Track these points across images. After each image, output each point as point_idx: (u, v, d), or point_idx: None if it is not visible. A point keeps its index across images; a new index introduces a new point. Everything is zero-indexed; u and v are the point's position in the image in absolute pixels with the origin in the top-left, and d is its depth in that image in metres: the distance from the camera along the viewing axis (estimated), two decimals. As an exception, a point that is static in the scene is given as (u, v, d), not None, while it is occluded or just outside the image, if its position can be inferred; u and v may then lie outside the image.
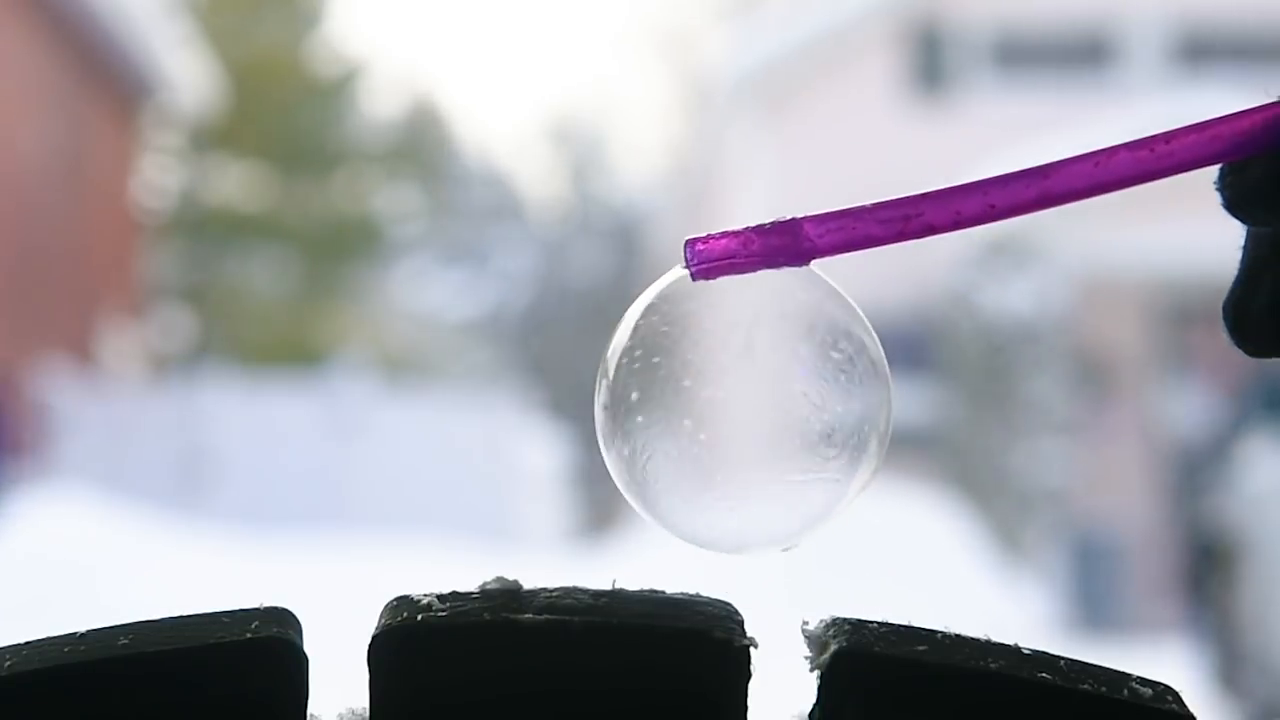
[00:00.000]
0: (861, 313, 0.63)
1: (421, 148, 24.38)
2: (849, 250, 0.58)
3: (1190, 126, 0.56)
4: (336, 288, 21.63)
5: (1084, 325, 12.81)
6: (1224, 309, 0.58)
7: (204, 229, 19.82)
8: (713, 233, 0.59)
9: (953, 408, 13.22)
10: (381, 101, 23.48)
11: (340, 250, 21.02)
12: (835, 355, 0.62)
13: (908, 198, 0.58)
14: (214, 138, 19.28)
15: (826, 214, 0.59)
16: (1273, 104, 0.56)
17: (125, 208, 14.20)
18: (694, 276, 0.60)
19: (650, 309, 0.64)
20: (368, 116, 22.80)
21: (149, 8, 12.94)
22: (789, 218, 0.59)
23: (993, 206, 0.57)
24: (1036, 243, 12.70)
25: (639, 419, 0.63)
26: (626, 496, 0.64)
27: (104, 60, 12.96)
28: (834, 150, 13.63)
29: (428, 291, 26.64)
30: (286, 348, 19.83)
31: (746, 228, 0.59)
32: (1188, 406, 12.58)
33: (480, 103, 41.36)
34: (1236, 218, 0.57)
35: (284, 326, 20.80)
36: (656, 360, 0.63)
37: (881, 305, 13.56)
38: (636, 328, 0.64)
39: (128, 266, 14.30)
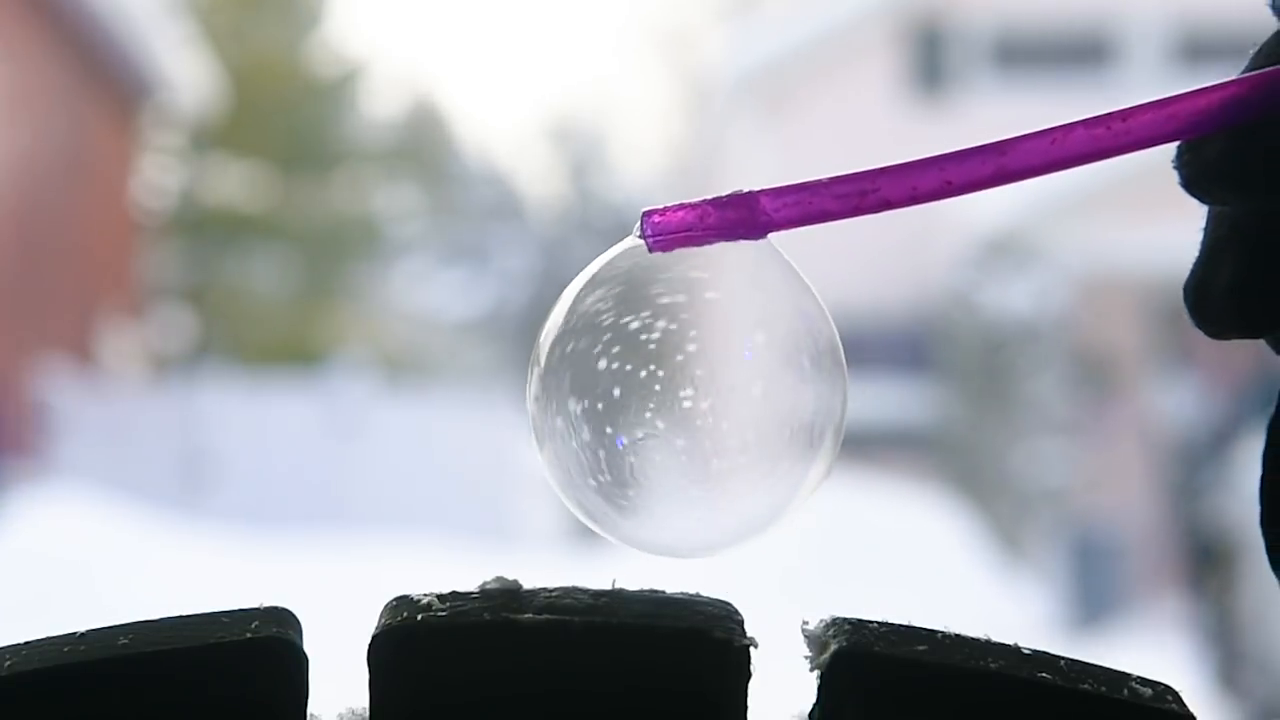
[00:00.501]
0: (817, 293, 0.59)
1: (421, 148, 24.40)
2: (806, 224, 0.57)
3: (1147, 104, 0.56)
4: (336, 288, 21.64)
5: (1084, 325, 12.81)
6: (1185, 290, 0.58)
7: (204, 229, 19.82)
8: (669, 204, 0.58)
9: (953, 408, 13.22)
10: (381, 101, 23.50)
11: (340, 250, 21.03)
12: (788, 337, 0.58)
13: (864, 172, 0.57)
14: (214, 138, 19.28)
15: (783, 187, 0.57)
16: (1229, 82, 0.55)
17: (125, 208, 14.20)
18: (650, 248, 0.58)
19: (591, 286, 0.59)
20: (368, 116, 22.81)
21: (149, 8, 12.94)
22: (745, 191, 0.58)
23: (949, 183, 0.56)
24: (1036, 243, 12.70)
25: (576, 411, 0.58)
26: (564, 500, 0.59)
27: (104, 60, 12.96)
28: (834, 150, 13.63)
29: (428, 291, 26.63)
30: (286, 348, 19.83)
31: (703, 200, 0.58)
32: (1187, 406, 12.58)
33: (480, 103, 41.36)
34: (1194, 196, 0.57)
35: (284, 326, 20.80)
36: (598, 344, 0.58)
37: (882, 305, 13.57)
38: (575, 306, 0.59)
39: (128, 266, 14.29)
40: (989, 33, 14.46)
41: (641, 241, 0.58)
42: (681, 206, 0.58)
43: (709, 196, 0.58)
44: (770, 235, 0.58)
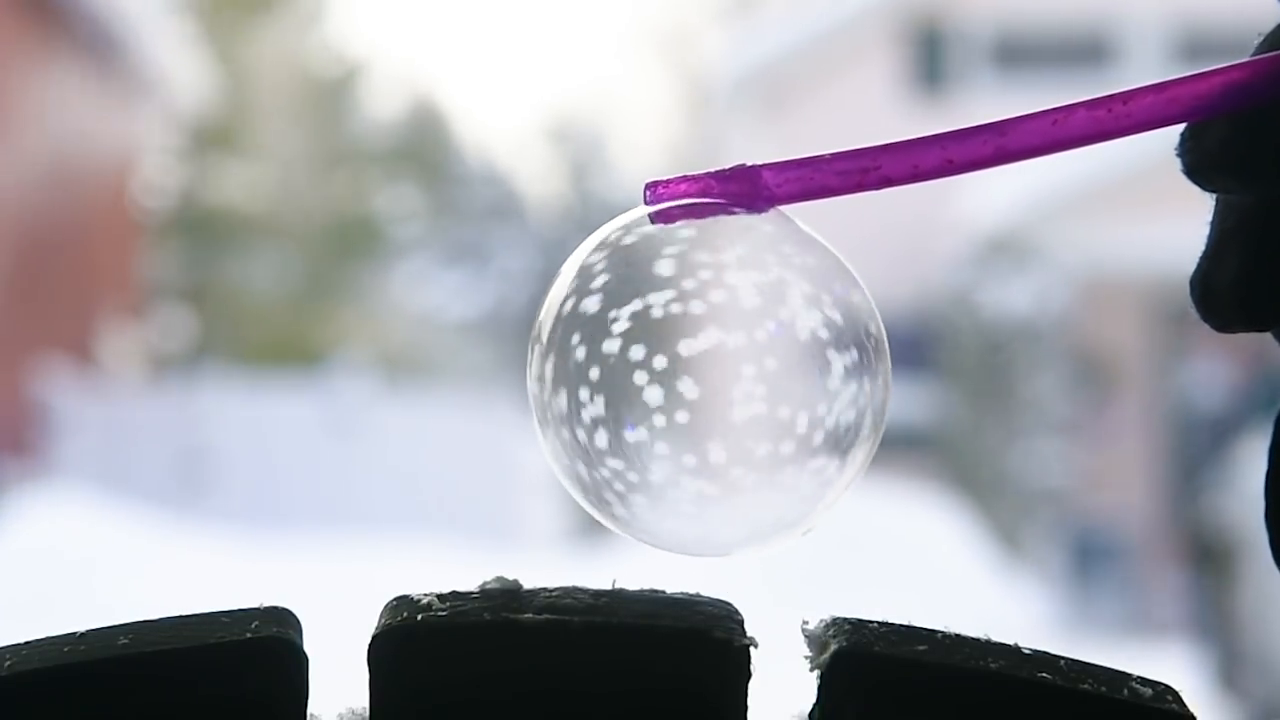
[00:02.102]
0: (854, 270, 0.57)
1: (422, 147, 24.41)
2: (807, 199, 0.57)
3: (1149, 87, 0.56)
4: (336, 288, 21.64)
5: (1084, 325, 12.81)
6: (1190, 283, 0.58)
7: (204, 229, 19.83)
8: (672, 176, 0.58)
9: (953, 408, 13.22)
10: (381, 101, 23.51)
11: (340, 250, 21.04)
12: (813, 314, 0.56)
13: (866, 149, 0.57)
14: (214, 138, 19.29)
15: (786, 162, 0.58)
16: (1233, 66, 0.55)
17: (125, 208, 14.20)
18: (653, 219, 0.57)
19: (596, 257, 0.57)
20: (368, 116, 22.82)
21: (149, 7, 12.94)
22: (748, 164, 0.58)
23: (950, 161, 0.56)
24: (1036, 242, 12.70)
25: (581, 392, 0.55)
26: (566, 487, 0.56)
27: (104, 60, 12.96)
28: (834, 149, 13.62)
29: (428, 291, 26.63)
30: (286, 348, 19.84)
31: (706, 172, 0.58)
32: (1187, 406, 12.58)
33: (480, 103, 41.38)
34: (1196, 184, 0.56)
35: (284, 326, 20.80)
36: (606, 320, 0.55)
37: (881, 304, 13.53)
38: (580, 278, 0.56)
39: (128, 266, 14.30)
40: (989, 33, 14.46)
41: (646, 211, 0.58)
42: (684, 178, 0.58)
43: (712, 169, 0.57)
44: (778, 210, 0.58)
